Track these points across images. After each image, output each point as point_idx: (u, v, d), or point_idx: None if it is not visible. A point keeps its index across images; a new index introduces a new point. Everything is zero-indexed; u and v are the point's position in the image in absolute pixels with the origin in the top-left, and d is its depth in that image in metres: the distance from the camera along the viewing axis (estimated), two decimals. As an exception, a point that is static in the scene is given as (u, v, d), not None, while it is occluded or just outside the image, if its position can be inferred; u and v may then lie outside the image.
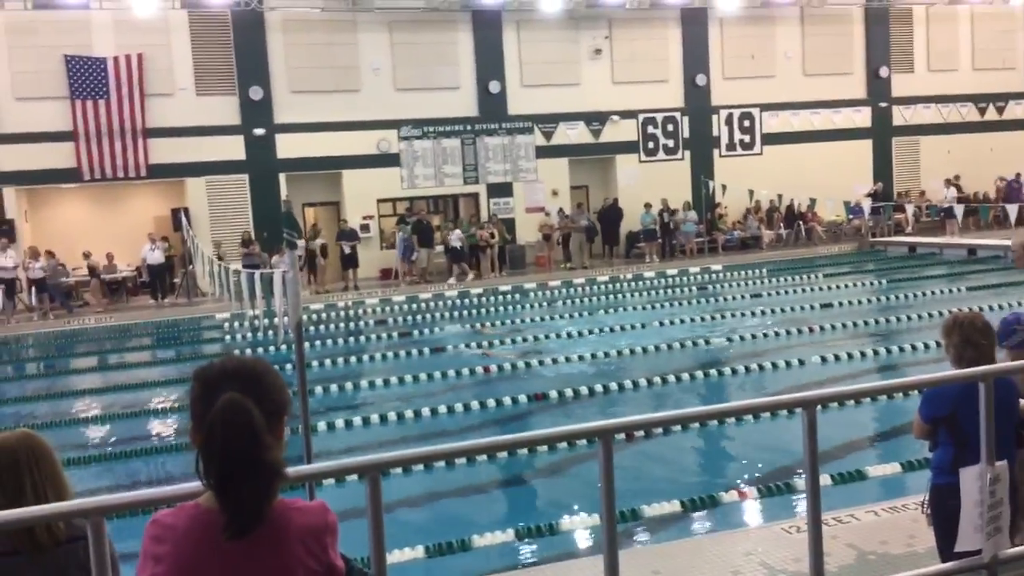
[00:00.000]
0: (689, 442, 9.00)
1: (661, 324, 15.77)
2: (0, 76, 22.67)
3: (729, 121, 28.72)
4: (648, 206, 25.92)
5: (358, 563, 2.26)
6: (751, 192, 27.11)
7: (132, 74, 23.25)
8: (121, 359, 16.30)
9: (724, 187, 26.75)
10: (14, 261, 20.92)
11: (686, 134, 28.22)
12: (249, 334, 17.07)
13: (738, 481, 7.58)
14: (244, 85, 24.21)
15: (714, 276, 22.73)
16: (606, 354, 13.31)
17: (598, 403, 10.62)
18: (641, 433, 8.42)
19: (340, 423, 10.12)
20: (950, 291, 17.60)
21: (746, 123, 28.88)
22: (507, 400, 10.66)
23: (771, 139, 28.90)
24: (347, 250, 23.49)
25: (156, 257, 22.50)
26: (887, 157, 30.35)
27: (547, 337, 15.09)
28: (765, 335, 14.10)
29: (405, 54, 25.48)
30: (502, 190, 26.58)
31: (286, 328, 13.52)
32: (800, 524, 5.32)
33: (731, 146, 28.80)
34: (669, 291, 20.63)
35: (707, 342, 14.05)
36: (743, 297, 18.82)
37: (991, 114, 31.28)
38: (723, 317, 16.38)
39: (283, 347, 14.49)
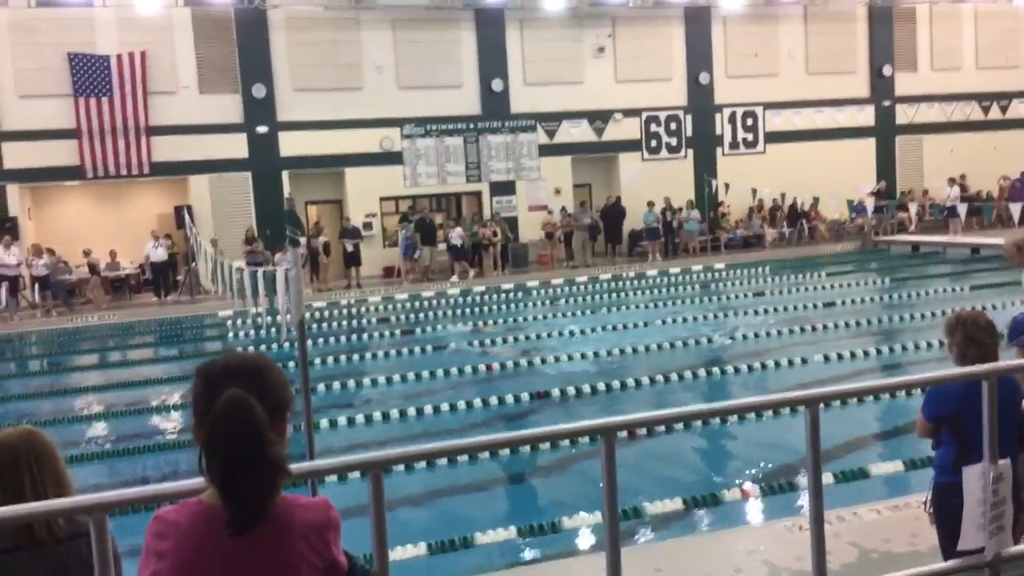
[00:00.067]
0: (691, 440, 9.00)
1: (664, 323, 15.76)
2: (3, 74, 22.72)
3: (732, 119, 28.70)
4: (651, 204, 25.92)
5: (361, 560, 2.27)
6: (754, 191, 27.09)
7: (135, 72, 23.28)
8: (124, 356, 16.31)
9: (727, 186, 26.73)
10: (17, 258, 20.95)
11: (689, 132, 28.21)
12: (252, 331, 17.09)
13: (740, 479, 7.58)
14: (247, 83, 24.23)
15: (717, 275, 22.72)
16: (608, 352, 13.31)
17: (600, 401, 10.62)
18: (643, 431, 8.42)
19: (343, 420, 10.12)
20: (953, 290, 17.59)
21: (749, 121, 28.86)
22: (509, 398, 10.66)
23: (774, 138, 28.88)
24: (350, 248, 23.51)
25: (159, 254, 22.52)
26: (890, 156, 30.32)
27: (549, 335, 15.09)
28: (768, 334, 14.09)
29: (408, 52, 25.48)
30: (505, 188, 26.58)
31: (289, 326, 13.56)
32: (802, 522, 5.32)
33: (734, 144, 28.78)
34: (672, 290, 20.62)
35: (710, 341, 14.04)
36: (746, 296, 18.81)
37: (995, 113, 31.24)
38: (726, 316, 16.38)
39: (286, 344, 14.53)
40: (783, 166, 27.98)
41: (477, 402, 10.56)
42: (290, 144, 24.51)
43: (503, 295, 20.91)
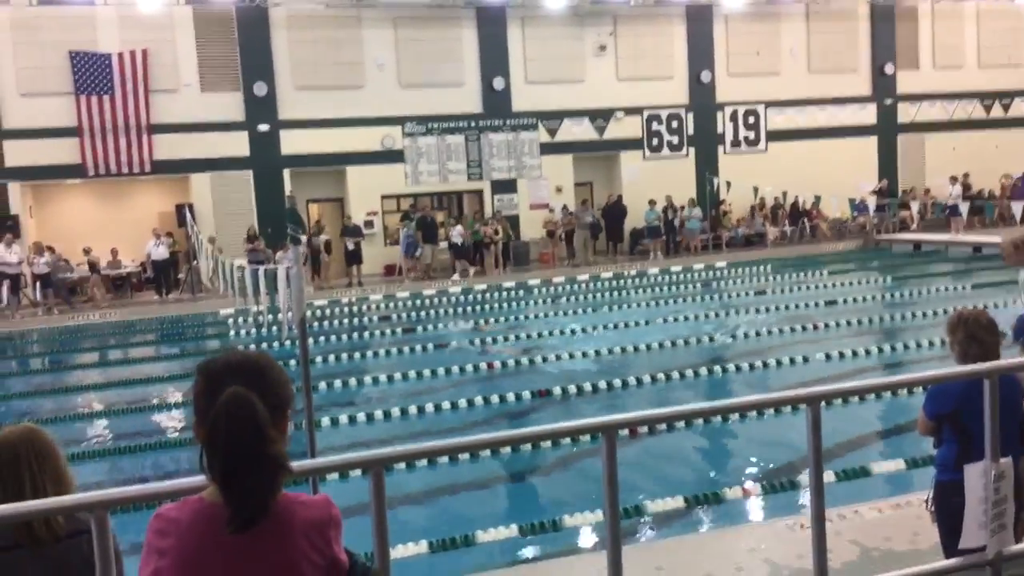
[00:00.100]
0: (693, 438, 8.99)
1: (665, 321, 15.76)
2: (5, 72, 22.72)
3: (734, 118, 28.68)
4: (652, 203, 25.92)
5: (362, 558, 2.26)
6: (756, 189, 27.08)
7: (136, 70, 23.28)
8: (125, 354, 16.31)
9: (728, 184, 26.72)
10: (19, 256, 20.96)
11: (691, 131, 28.20)
12: (253, 330, 17.10)
13: (742, 477, 7.58)
14: (248, 81, 24.23)
15: (718, 273, 22.71)
16: (610, 351, 13.30)
17: (601, 399, 10.61)
18: (645, 429, 8.42)
19: (344, 419, 10.12)
20: (955, 288, 17.58)
21: (751, 120, 28.84)
22: (511, 396, 10.66)
23: (776, 136, 28.86)
24: (351, 246, 23.52)
25: (161, 253, 22.53)
26: (892, 154, 30.29)
27: (551, 334, 15.08)
28: (769, 332, 14.08)
29: (409, 50, 25.47)
30: (506, 187, 26.57)
31: (290, 324, 13.56)
32: (804, 520, 5.32)
33: (736, 143, 28.76)
34: (673, 288, 20.62)
35: (711, 339, 14.04)
36: (747, 294, 18.81)
37: (997, 111, 31.22)
38: (727, 314, 16.37)
39: (287, 343, 14.52)
40: (785, 164, 27.96)
41: (478, 400, 10.56)
42: (291, 142, 24.51)
43: (504, 293, 20.91)
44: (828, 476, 6.29)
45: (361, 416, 10.21)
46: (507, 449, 8.20)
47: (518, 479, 8.23)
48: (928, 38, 30.45)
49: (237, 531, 1.93)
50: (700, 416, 8.15)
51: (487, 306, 19.12)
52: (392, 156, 25.49)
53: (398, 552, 5.77)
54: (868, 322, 14.61)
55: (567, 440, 8.05)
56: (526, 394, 10.73)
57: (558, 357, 13.07)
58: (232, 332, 17.44)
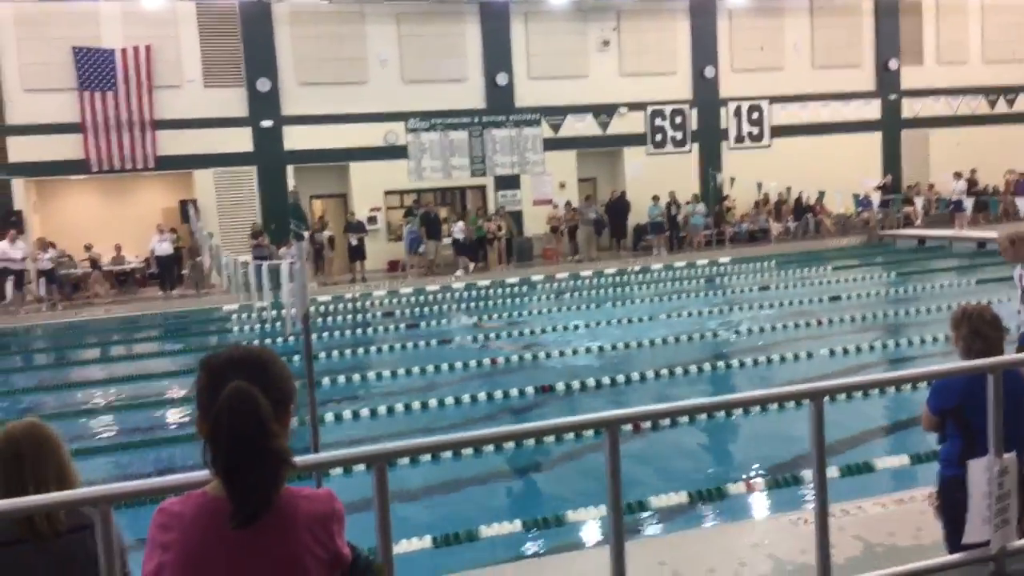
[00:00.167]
0: (696, 434, 9.00)
1: (668, 316, 15.75)
2: (9, 68, 22.74)
3: (737, 113, 28.63)
4: (656, 199, 25.88)
5: (365, 552, 2.27)
6: (759, 185, 27.03)
7: (140, 66, 23.29)
8: (129, 350, 16.35)
9: (732, 180, 26.67)
10: (23, 252, 20.99)
11: (694, 126, 28.15)
12: (257, 325, 17.11)
13: (745, 473, 7.58)
14: (252, 77, 24.23)
15: (722, 269, 22.69)
16: (613, 346, 13.31)
17: (605, 395, 10.63)
18: (648, 424, 8.42)
19: (347, 414, 10.13)
20: (959, 284, 17.54)
21: (754, 115, 28.79)
22: (514, 392, 10.67)
23: (780, 131, 28.80)
24: (354, 242, 23.53)
25: (164, 248, 22.54)
26: (896, 150, 30.23)
27: (554, 329, 15.09)
28: (772, 327, 14.08)
29: (413, 46, 25.45)
30: (509, 182, 26.56)
31: (293, 319, 13.57)
32: (807, 516, 5.32)
33: (739, 138, 28.72)
34: (677, 284, 20.60)
35: (714, 334, 14.03)
36: (751, 290, 18.80)
37: (1001, 107, 31.14)
38: (731, 309, 16.35)
39: (290, 338, 14.53)
40: (788, 160, 27.91)
41: (481, 395, 10.57)
42: (295, 138, 24.52)
43: (508, 289, 20.92)
44: (831, 471, 6.28)
45: (364, 411, 10.23)
46: (510, 444, 8.20)
47: (521, 474, 8.25)
48: (932, 33, 30.37)
49: (240, 525, 1.93)
50: (703, 411, 8.12)
51: (491, 302, 19.12)
52: (395, 152, 25.49)
53: (401, 547, 5.77)
54: (872, 318, 14.60)
55: (570, 435, 8.05)
56: (529, 389, 10.74)
57: (561, 353, 13.08)
58: (236, 328, 17.46)
